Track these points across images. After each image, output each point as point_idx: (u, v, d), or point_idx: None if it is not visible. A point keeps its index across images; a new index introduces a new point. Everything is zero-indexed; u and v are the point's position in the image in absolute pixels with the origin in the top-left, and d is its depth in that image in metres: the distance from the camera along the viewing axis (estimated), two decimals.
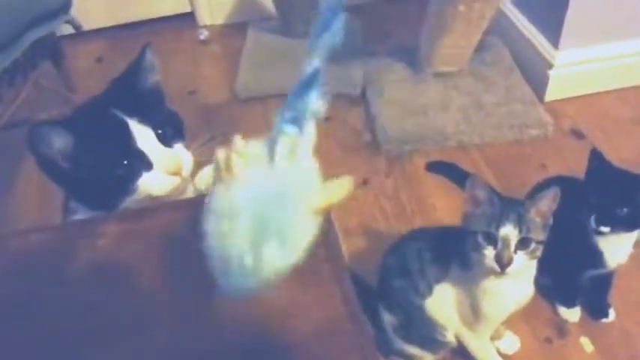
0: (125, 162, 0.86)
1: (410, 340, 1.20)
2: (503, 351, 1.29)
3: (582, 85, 1.89)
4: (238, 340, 0.58)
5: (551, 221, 1.01)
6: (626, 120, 1.85)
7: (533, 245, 0.98)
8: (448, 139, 1.75)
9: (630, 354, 1.30)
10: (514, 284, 1.07)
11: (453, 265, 1.08)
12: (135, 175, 0.87)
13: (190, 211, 0.52)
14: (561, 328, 1.36)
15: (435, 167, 1.69)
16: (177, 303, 0.60)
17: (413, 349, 1.21)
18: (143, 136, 0.89)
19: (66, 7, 1.42)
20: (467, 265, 1.06)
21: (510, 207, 0.99)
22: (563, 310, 1.37)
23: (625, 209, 1.12)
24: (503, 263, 0.97)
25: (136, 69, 0.96)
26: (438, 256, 1.10)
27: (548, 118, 1.78)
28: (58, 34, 1.69)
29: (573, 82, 1.88)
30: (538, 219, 0.99)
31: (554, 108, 1.88)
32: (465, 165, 1.70)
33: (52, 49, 1.56)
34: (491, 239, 0.97)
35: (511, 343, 1.31)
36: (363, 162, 1.76)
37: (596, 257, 1.22)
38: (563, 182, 1.35)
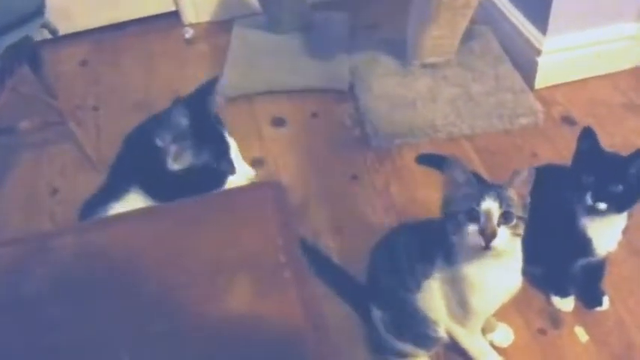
0: (218, 165, 1.06)
1: (402, 336, 1.18)
2: (496, 344, 1.28)
3: (572, 72, 1.87)
4: (200, 350, 0.57)
5: (528, 201, 1.01)
6: (617, 105, 1.84)
7: (514, 220, 0.97)
8: (438, 131, 1.73)
9: (625, 342, 1.29)
10: (501, 275, 1.05)
11: (438, 259, 1.07)
12: (225, 177, 1.07)
13: (148, 222, 0.50)
14: (555, 318, 1.35)
15: (425, 160, 1.68)
16: (137, 316, 0.59)
17: (405, 346, 1.20)
18: (233, 146, 1.10)
19: (40, 11, 1.39)
20: (451, 258, 1.04)
21: (489, 186, 1.01)
22: (556, 300, 1.36)
23: (620, 186, 1.11)
24: (487, 236, 0.95)
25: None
26: (424, 251, 1.08)
27: (538, 106, 1.76)
28: (39, 38, 1.66)
29: (562, 69, 1.86)
30: (516, 197, 0.99)
31: (544, 95, 1.86)
32: (456, 155, 1.69)
33: (28, 54, 1.53)
34: (473, 215, 0.96)
35: (505, 335, 1.30)
36: (353, 157, 1.74)
37: (585, 245, 1.21)
38: (550, 170, 1.35)
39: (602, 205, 1.12)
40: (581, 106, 1.83)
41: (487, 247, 0.96)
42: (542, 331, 1.33)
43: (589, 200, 1.13)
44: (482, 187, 1.00)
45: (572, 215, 1.19)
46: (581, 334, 1.32)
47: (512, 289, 1.09)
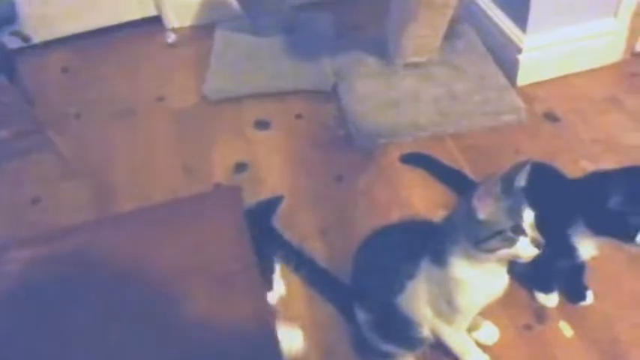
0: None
1: (387, 338, 1.18)
2: (482, 342, 1.28)
3: (553, 68, 1.88)
4: (156, 354, 0.56)
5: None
6: (599, 100, 1.84)
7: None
8: (422, 130, 1.73)
9: (610, 337, 1.30)
10: (490, 276, 1.06)
11: (424, 260, 1.06)
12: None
13: (102, 232, 0.50)
14: (540, 314, 1.35)
15: (410, 159, 1.68)
16: (94, 327, 0.58)
17: (390, 347, 1.20)
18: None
19: (10, 19, 1.38)
20: (441, 259, 1.04)
21: (520, 197, 0.98)
22: (541, 296, 1.36)
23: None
24: (539, 244, 0.98)
25: None
26: (409, 252, 1.08)
27: (520, 103, 1.77)
28: (16, 46, 1.65)
29: (544, 65, 1.87)
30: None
31: (526, 92, 1.87)
32: (440, 155, 1.70)
33: (2, 63, 1.52)
34: (520, 230, 0.97)
35: (490, 333, 1.30)
36: (337, 158, 1.74)
37: (570, 251, 1.21)
38: (549, 173, 1.32)
39: None
40: (563, 101, 1.84)
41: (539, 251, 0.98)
42: (527, 327, 1.33)
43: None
44: (513, 198, 0.98)
45: (566, 225, 1.18)
46: (565, 329, 1.33)
47: (500, 290, 1.10)
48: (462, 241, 1.00)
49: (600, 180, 1.14)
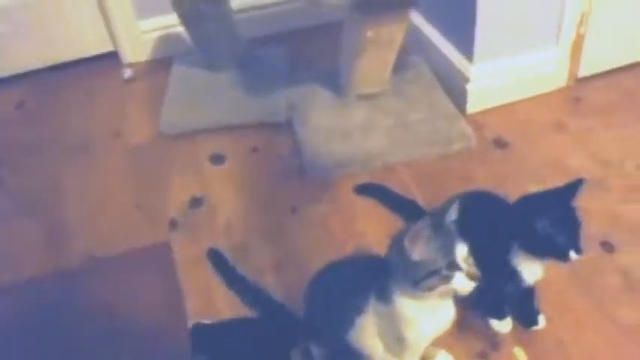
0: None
1: None
2: None
3: (501, 95, 1.94)
4: None
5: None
6: (546, 125, 1.90)
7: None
8: (374, 160, 1.75)
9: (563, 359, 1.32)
10: (436, 309, 1.07)
11: (372, 295, 1.07)
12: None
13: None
14: (494, 340, 1.36)
15: (363, 190, 1.70)
16: None
17: None
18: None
19: None
20: (386, 296, 1.05)
21: (450, 233, 1.00)
22: (494, 323, 1.37)
23: (582, 225, 1.12)
24: (475, 278, 1.00)
25: None
26: (357, 288, 1.09)
27: (470, 131, 1.81)
28: None
29: (492, 93, 1.92)
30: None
31: (476, 120, 1.91)
32: (393, 184, 1.72)
33: None
34: (455, 266, 0.99)
35: None
36: (292, 190, 1.75)
37: (513, 276, 1.23)
38: (485, 198, 1.36)
39: (581, 252, 1.14)
40: (511, 128, 1.89)
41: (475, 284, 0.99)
42: (482, 355, 1.34)
43: (574, 256, 1.13)
44: (445, 235, 1.00)
45: (505, 250, 1.21)
46: (520, 354, 1.34)
47: (447, 322, 1.11)
48: (402, 280, 1.01)
49: (527, 203, 1.19)
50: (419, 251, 0.98)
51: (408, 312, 1.04)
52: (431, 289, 0.99)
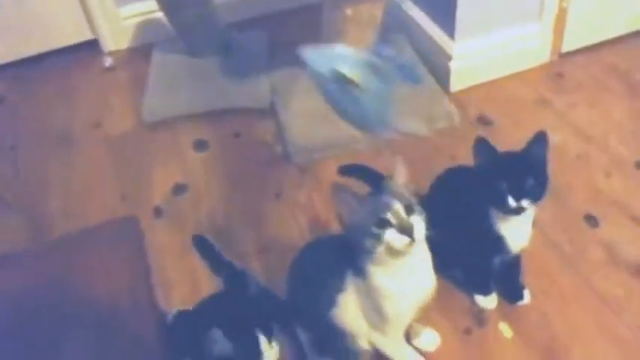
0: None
1: (325, 354, 1.18)
2: (423, 348, 1.29)
3: (483, 73, 1.93)
4: None
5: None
6: (529, 101, 1.90)
7: (417, 208, 1.01)
8: (357, 142, 1.74)
9: (548, 334, 1.32)
10: (413, 279, 1.07)
11: (349, 272, 1.07)
12: None
13: None
14: (480, 317, 1.37)
15: (346, 171, 1.69)
16: None
17: None
18: None
19: None
20: (361, 271, 1.05)
21: (378, 193, 1.02)
22: (480, 299, 1.39)
23: (530, 179, 1.15)
24: (408, 231, 0.98)
25: None
26: (335, 266, 1.09)
27: (453, 109, 1.80)
28: None
29: (475, 71, 1.91)
30: (404, 190, 1.03)
31: (459, 98, 1.91)
32: (377, 165, 1.71)
33: None
34: (385, 223, 0.98)
35: (430, 339, 1.31)
36: (276, 175, 1.74)
37: (498, 243, 1.24)
38: (460, 172, 1.38)
39: (525, 202, 1.16)
40: (495, 105, 1.88)
41: (413, 239, 0.98)
42: (467, 331, 1.35)
43: (513, 203, 1.15)
44: (374, 196, 1.02)
45: (484, 217, 1.22)
46: (505, 330, 1.35)
47: (426, 291, 1.11)
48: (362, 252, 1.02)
49: (494, 164, 1.20)
50: (347, 218, 1.00)
51: (382, 283, 1.04)
52: (371, 252, 0.99)
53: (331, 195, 1.02)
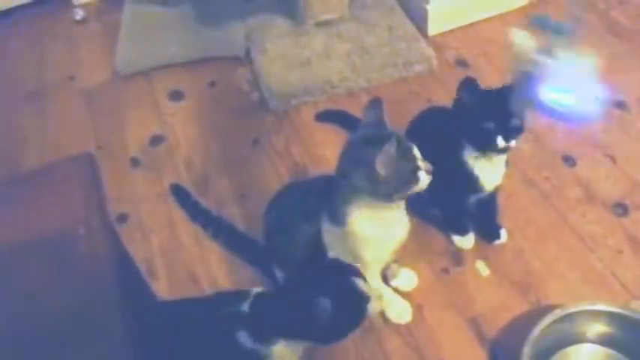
0: None
1: None
2: (401, 288, 1.31)
3: (462, 16, 1.90)
4: None
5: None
6: (508, 44, 1.87)
7: None
8: (335, 87, 1.72)
9: (523, 270, 1.34)
10: (389, 224, 1.08)
11: (325, 219, 1.07)
12: None
13: None
14: (457, 256, 1.38)
15: (324, 117, 1.68)
16: None
17: None
18: None
19: None
20: (337, 218, 1.05)
21: (402, 139, 1.04)
22: (457, 239, 1.39)
23: (517, 120, 1.15)
24: (430, 169, 1.05)
25: None
26: (309, 210, 1.09)
27: (431, 52, 1.78)
28: None
29: (452, 14, 1.88)
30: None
31: (437, 42, 1.88)
32: (354, 110, 1.69)
33: None
34: (417, 167, 1.03)
35: (408, 279, 1.32)
36: (253, 122, 1.72)
37: (473, 182, 1.24)
38: (434, 113, 1.37)
39: (513, 142, 1.16)
40: (473, 48, 1.86)
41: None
42: (445, 271, 1.36)
43: (502, 143, 1.15)
44: (406, 144, 1.04)
45: (456, 155, 1.22)
46: (482, 268, 1.36)
47: (403, 235, 1.12)
48: (364, 199, 1.02)
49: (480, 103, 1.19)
50: (388, 169, 1.00)
51: (364, 231, 1.05)
52: (404, 197, 1.05)
53: (384, 152, 0.99)
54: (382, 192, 1.02)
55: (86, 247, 0.57)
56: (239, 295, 0.95)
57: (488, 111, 1.16)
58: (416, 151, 1.03)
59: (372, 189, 1.01)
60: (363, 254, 1.08)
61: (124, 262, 0.75)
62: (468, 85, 1.18)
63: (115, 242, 0.71)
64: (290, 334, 0.91)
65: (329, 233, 1.08)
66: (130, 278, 0.76)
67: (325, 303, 0.86)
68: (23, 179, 0.72)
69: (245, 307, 0.93)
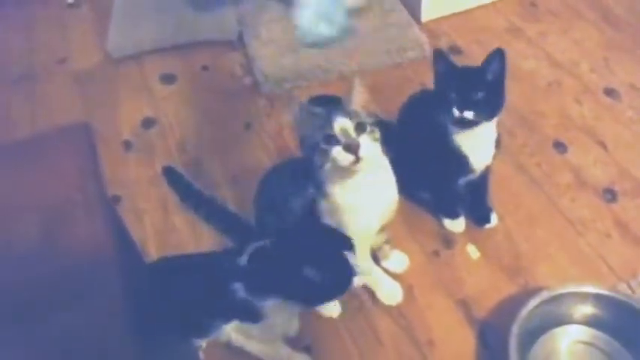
0: None
1: None
2: (392, 270, 1.32)
3: (455, 2, 1.90)
4: None
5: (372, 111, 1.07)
6: (501, 31, 1.88)
7: (368, 127, 1.00)
8: (327, 71, 1.72)
9: (513, 253, 1.35)
10: (373, 191, 1.07)
11: (312, 193, 1.07)
12: None
13: None
14: (448, 239, 1.39)
15: (316, 101, 1.67)
16: None
17: None
18: None
19: None
20: (322, 191, 1.05)
21: (333, 109, 1.01)
22: (448, 222, 1.40)
23: (480, 93, 1.15)
24: (353, 148, 0.97)
25: None
26: (297, 187, 1.09)
27: (424, 39, 1.78)
28: None
29: (446, 0, 1.88)
30: (360, 107, 1.03)
31: (431, 28, 1.88)
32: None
33: None
34: (332, 139, 0.98)
35: (399, 261, 1.33)
36: (245, 106, 1.72)
37: (462, 162, 1.24)
38: (421, 96, 1.37)
39: (469, 114, 1.15)
40: (466, 34, 1.86)
41: (357, 158, 0.97)
42: (435, 253, 1.37)
43: (456, 113, 1.15)
44: (327, 112, 1.01)
45: (445, 135, 1.22)
46: (472, 251, 1.38)
47: (389, 203, 1.12)
48: (329, 168, 1.01)
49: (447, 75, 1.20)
50: (301, 129, 1.01)
51: (346, 200, 1.05)
52: (320, 166, 1.00)
53: (295, 111, 1.02)
54: (308, 160, 1.02)
55: (83, 212, 0.57)
56: (237, 249, 0.96)
57: (453, 83, 1.17)
58: (338, 123, 0.98)
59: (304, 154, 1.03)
60: (348, 224, 1.08)
61: (120, 228, 0.76)
62: (439, 56, 1.20)
63: (110, 208, 0.71)
64: (279, 292, 0.93)
65: (321, 209, 1.08)
66: (125, 243, 0.76)
67: (310, 272, 0.88)
68: (18, 145, 0.72)
69: (242, 260, 0.93)
